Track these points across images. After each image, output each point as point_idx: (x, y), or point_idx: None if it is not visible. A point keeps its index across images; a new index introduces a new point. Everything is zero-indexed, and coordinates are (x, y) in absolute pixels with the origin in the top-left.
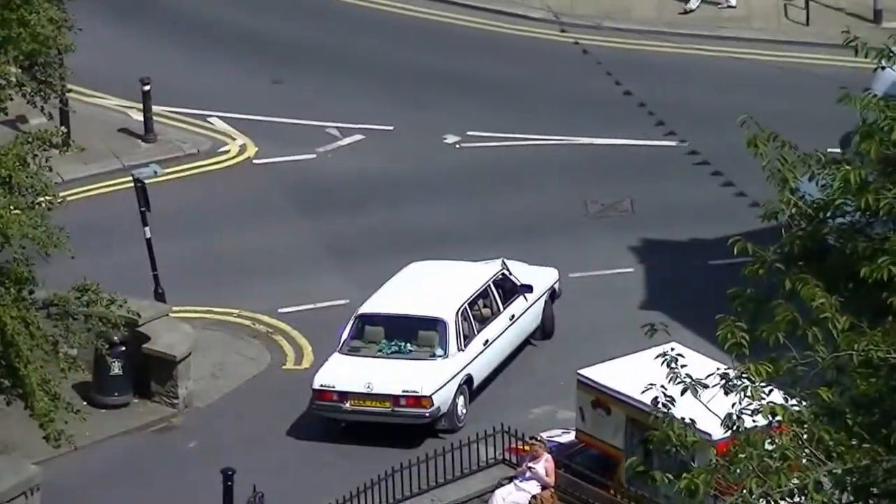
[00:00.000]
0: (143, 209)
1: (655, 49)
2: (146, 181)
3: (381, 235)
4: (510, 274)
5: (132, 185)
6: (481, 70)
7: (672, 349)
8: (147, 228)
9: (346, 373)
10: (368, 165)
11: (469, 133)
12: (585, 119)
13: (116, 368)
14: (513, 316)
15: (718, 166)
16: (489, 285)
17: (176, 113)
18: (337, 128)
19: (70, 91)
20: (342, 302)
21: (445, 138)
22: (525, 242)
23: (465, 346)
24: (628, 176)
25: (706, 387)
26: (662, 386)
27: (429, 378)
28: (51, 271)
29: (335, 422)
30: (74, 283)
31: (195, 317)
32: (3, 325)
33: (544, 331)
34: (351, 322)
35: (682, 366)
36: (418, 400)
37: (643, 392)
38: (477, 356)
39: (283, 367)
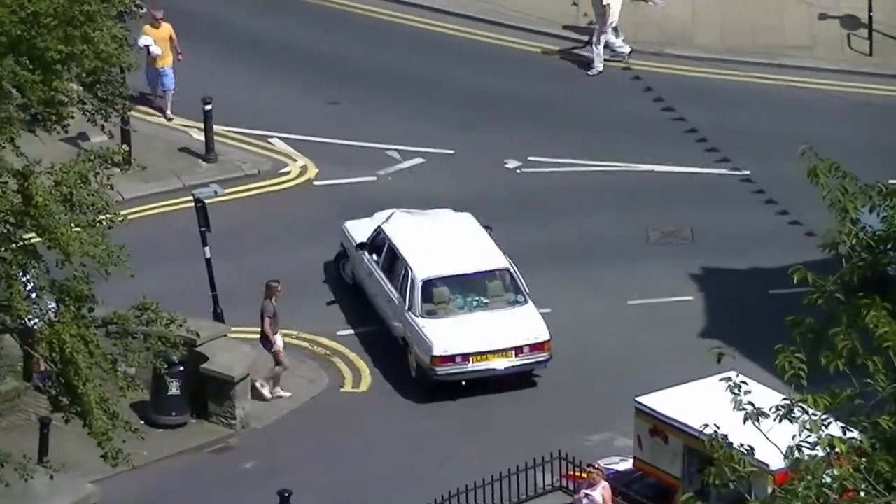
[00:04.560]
0: (203, 229)
1: (717, 76)
2: (206, 201)
3: None
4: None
5: (193, 204)
6: (543, 95)
7: (734, 377)
8: (207, 248)
9: (459, 334)
10: (428, 189)
11: (530, 158)
12: (646, 146)
13: (174, 388)
14: None
15: (776, 195)
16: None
17: (237, 133)
18: (397, 150)
19: (132, 110)
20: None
21: (506, 163)
22: (585, 268)
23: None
24: (689, 203)
25: (766, 416)
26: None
27: (538, 323)
28: (110, 290)
29: (455, 383)
30: (134, 302)
31: (253, 338)
32: (63, 343)
33: None
34: (419, 288)
35: (747, 392)
36: (541, 345)
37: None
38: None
39: (341, 389)
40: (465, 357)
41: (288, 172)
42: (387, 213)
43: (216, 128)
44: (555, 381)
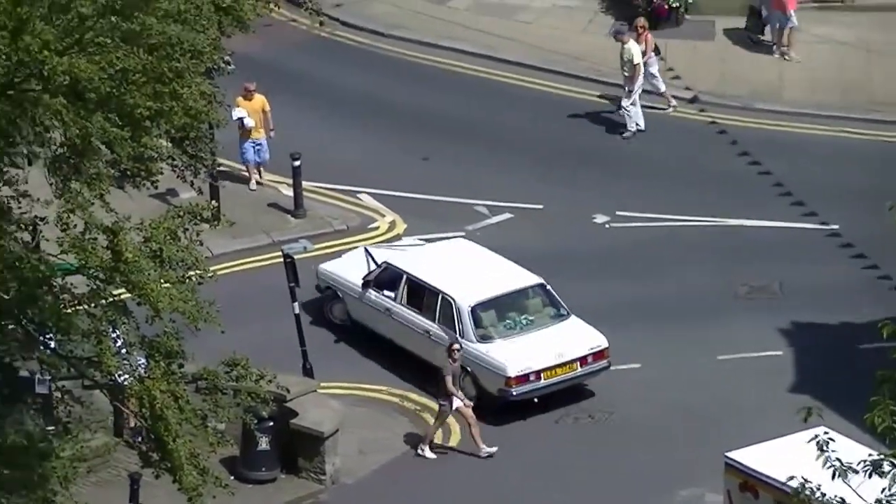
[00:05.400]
0: (292, 284)
1: (805, 131)
2: (296, 256)
3: None
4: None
5: (282, 260)
6: (630, 149)
7: (821, 433)
8: (296, 304)
9: (527, 353)
10: (517, 244)
11: (618, 213)
12: (733, 200)
13: (264, 443)
14: None
15: (865, 249)
16: None
17: (325, 188)
18: (485, 206)
19: (220, 166)
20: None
21: (595, 218)
22: (674, 323)
23: None
24: (777, 258)
25: (856, 472)
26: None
27: (592, 332)
28: (200, 345)
29: (527, 401)
30: (224, 358)
31: (343, 393)
32: (153, 398)
33: None
34: (468, 314)
35: (833, 450)
36: (602, 353)
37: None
38: None
39: (432, 443)
40: (538, 374)
41: (377, 228)
42: (359, 250)
43: (305, 183)
44: (645, 436)
